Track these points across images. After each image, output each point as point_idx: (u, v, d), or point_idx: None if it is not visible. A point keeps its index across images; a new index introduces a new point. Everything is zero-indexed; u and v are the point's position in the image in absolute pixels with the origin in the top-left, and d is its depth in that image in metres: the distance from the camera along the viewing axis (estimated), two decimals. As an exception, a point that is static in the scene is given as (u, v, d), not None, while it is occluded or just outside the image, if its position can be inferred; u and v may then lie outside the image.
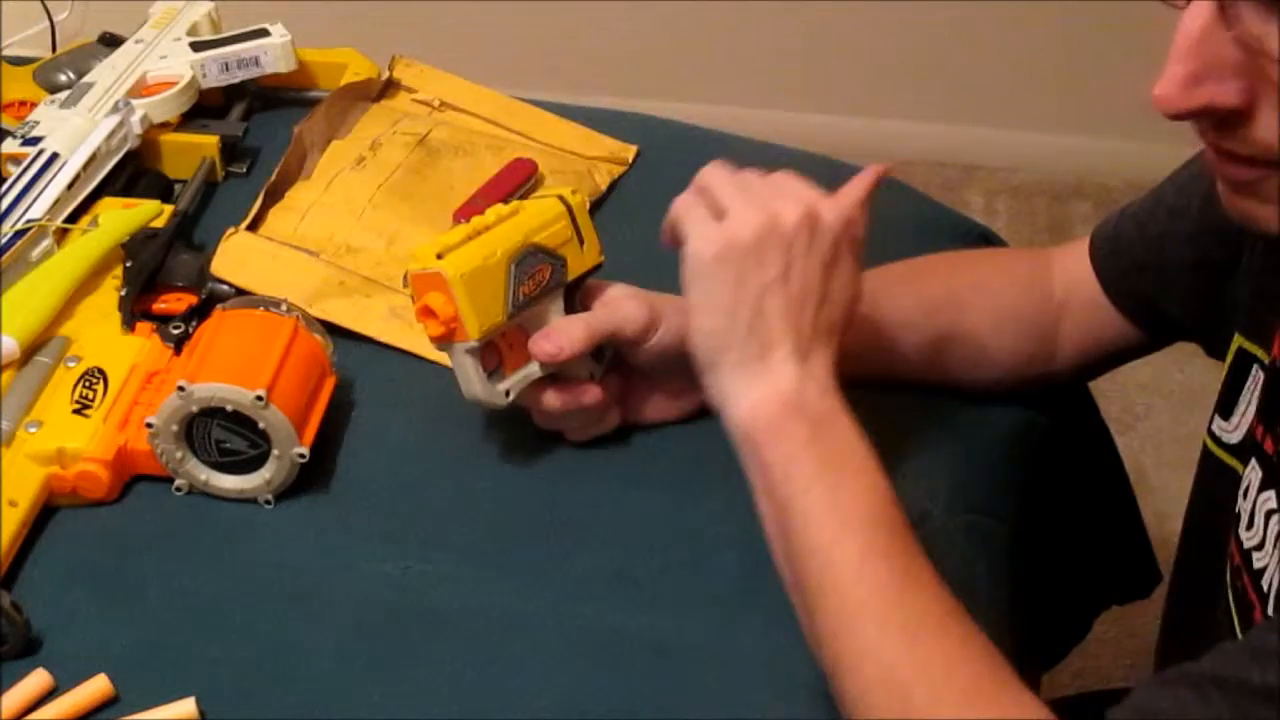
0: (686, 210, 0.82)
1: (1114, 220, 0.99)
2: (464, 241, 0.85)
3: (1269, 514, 0.80)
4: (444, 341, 0.85)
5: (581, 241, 0.90)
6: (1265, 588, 0.80)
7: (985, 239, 1.18)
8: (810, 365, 0.79)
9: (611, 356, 0.92)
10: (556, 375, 0.89)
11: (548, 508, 0.90)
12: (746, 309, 0.79)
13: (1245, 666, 0.64)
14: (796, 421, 0.78)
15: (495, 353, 0.87)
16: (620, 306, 0.90)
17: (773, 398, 0.78)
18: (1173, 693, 0.66)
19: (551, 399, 0.90)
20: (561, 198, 0.90)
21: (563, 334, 0.88)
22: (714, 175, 0.83)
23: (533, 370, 0.88)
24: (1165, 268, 0.94)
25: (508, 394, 0.87)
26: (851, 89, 2.59)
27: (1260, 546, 0.81)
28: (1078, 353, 1.00)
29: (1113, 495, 1.16)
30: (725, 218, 0.80)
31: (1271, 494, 0.80)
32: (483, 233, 0.86)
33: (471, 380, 0.86)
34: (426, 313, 0.84)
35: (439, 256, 0.83)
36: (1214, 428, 0.89)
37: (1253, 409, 0.85)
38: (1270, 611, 0.79)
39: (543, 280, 0.87)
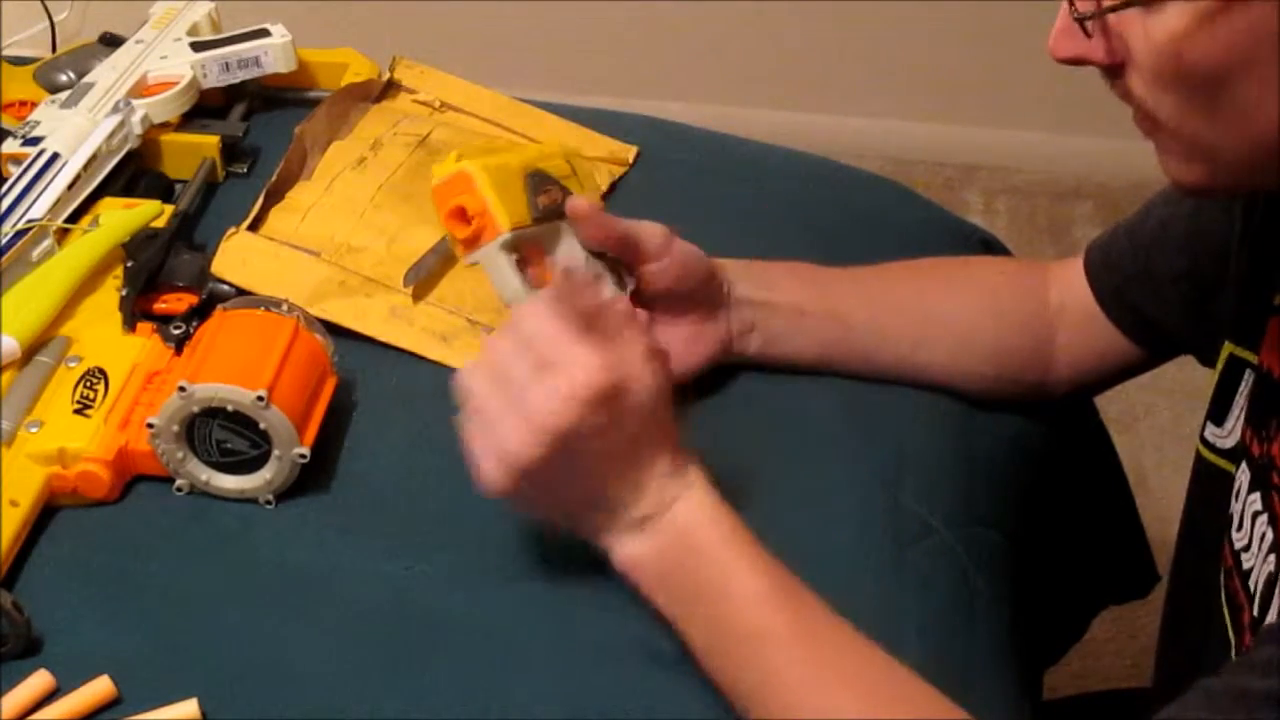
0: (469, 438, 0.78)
1: (1108, 233, 1.00)
2: (480, 153, 0.85)
3: (1255, 515, 0.81)
4: (475, 244, 0.84)
5: (581, 184, 0.90)
6: (1252, 589, 0.81)
7: (986, 244, 1.18)
8: (646, 520, 0.79)
9: (631, 289, 0.91)
10: None
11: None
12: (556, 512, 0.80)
13: (1247, 676, 0.65)
14: (653, 575, 0.79)
15: (523, 269, 0.86)
16: (640, 223, 0.91)
17: (625, 562, 0.80)
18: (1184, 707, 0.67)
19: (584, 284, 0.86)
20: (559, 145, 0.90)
21: (597, 208, 0.88)
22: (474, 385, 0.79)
23: None
24: (1155, 278, 0.95)
25: None
26: (851, 89, 2.59)
27: (1248, 548, 0.82)
28: (1073, 366, 1.01)
29: (1111, 496, 1.16)
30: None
31: (1258, 496, 0.81)
32: (495, 151, 0.87)
33: (509, 278, 0.84)
34: (457, 216, 0.84)
35: (458, 159, 0.84)
36: (1207, 434, 0.90)
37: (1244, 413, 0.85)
38: (1256, 613, 0.80)
39: (556, 199, 0.87)
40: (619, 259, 0.90)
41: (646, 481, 0.78)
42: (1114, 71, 0.72)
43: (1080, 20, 0.71)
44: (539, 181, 0.87)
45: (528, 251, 0.86)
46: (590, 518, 0.80)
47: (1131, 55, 0.71)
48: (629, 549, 0.79)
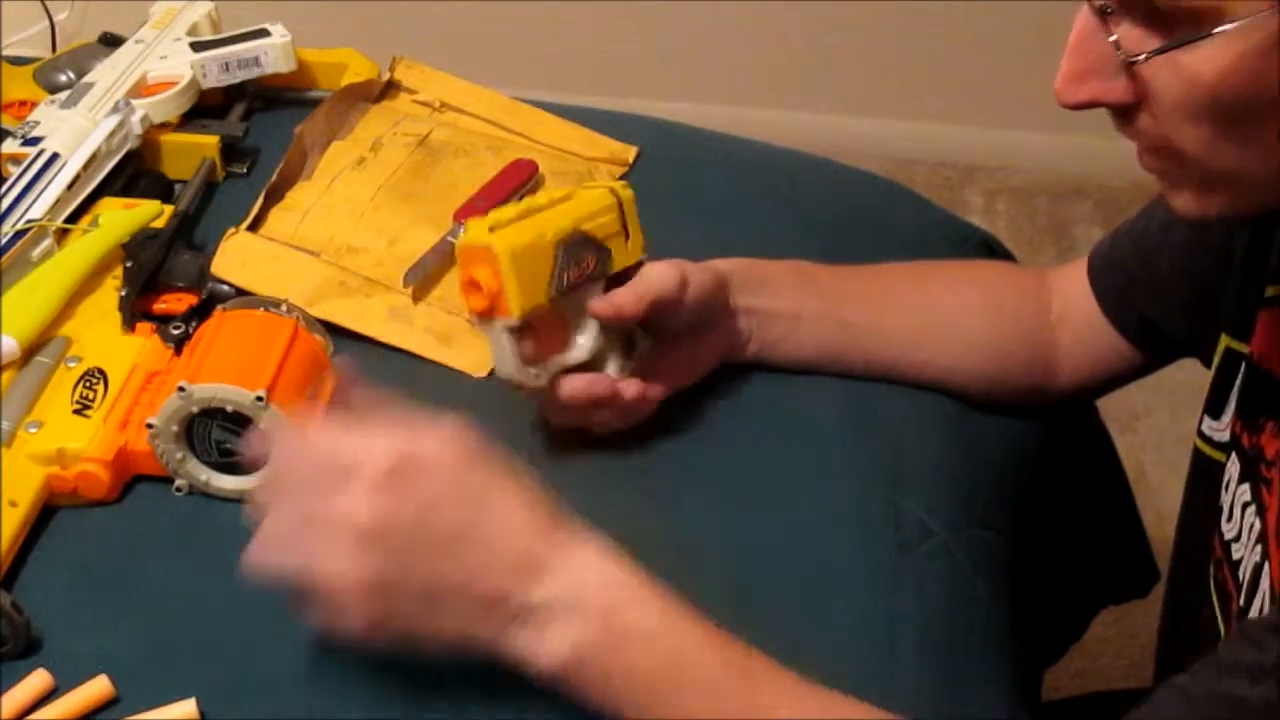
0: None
1: (1109, 239, 1.00)
2: (517, 219, 0.84)
3: (1244, 506, 0.82)
4: (485, 317, 0.84)
5: (627, 236, 0.89)
6: (1241, 578, 0.81)
7: (986, 245, 1.18)
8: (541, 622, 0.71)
9: (648, 348, 0.91)
10: (586, 367, 0.88)
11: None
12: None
13: (1231, 680, 0.65)
14: (590, 675, 0.71)
15: (531, 337, 0.86)
16: (652, 270, 0.90)
17: (552, 668, 0.72)
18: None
19: (583, 386, 0.86)
20: (613, 190, 0.90)
21: (619, 296, 0.88)
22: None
23: (567, 358, 0.87)
24: (1159, 282, 0.95)
25: (538, 375, 0.86)
26: (851, 89, 2.59)
27: (1238, 538, 0.82)
28: (1075, 370, 1.01)
29: (1111, 496, 1.16)
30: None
31: (1247, 487, 0.81)
32: (535, 213, 0.86)
33: (507, 358, 0.85)
34: (472, 285, 0.84)
35: (491, 230, 0.83)
36: (1204, 428, 0.90)
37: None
38: (1243, 602, 0.81)
39: (588, 269, 0.87)
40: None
41: (523, 557, 0.70)
42: (1128, 112, 0.70)
43: (1129, 63, 0.67)
44: (575, 250, 0.86)
45: (541, 324, 0.86)
46: (486, 621, 0.70)
47: (1153, 92, 0.68)
48: (549, 650, 0.70)
